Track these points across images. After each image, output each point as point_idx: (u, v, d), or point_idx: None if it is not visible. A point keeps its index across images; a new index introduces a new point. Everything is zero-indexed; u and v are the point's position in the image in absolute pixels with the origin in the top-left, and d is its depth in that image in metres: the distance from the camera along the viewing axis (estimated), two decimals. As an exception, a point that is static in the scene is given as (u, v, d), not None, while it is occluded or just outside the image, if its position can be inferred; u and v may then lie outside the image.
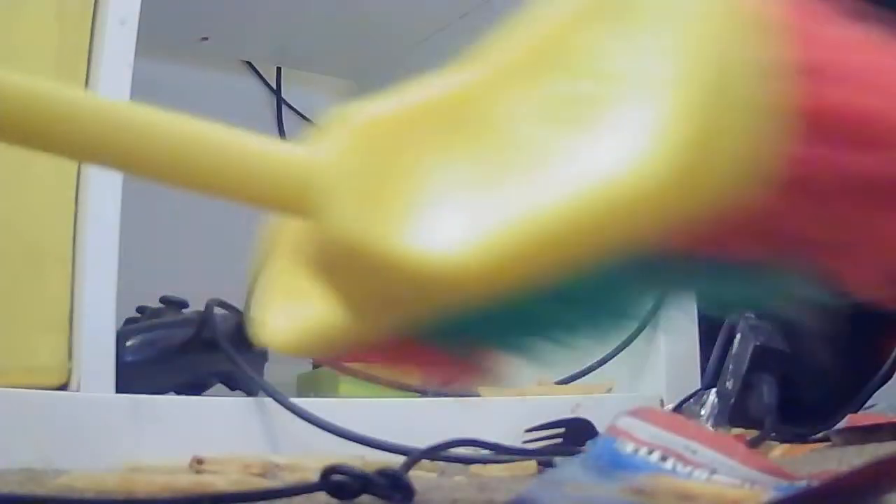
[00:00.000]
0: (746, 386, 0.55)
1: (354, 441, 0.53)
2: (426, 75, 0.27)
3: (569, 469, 0.33)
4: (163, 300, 0.65)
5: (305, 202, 0.24)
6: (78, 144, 0.24)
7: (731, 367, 0.56)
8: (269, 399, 0.55)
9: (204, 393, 0.62)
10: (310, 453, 0.51)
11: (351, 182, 0.24)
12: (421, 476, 0.46)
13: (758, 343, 0.55)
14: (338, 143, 0.25)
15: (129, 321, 0.63)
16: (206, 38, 0.92)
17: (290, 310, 0.30)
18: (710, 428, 0.55)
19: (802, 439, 0.54)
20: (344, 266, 0.25)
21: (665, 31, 0.20)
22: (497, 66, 0.25)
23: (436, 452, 0.48)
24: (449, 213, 0.24)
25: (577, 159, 0.21)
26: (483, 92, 0.25)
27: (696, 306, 0.29)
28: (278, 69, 1.06)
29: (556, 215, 0.21)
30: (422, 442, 0.48)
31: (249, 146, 0.25)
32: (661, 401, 0.67)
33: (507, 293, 0.22)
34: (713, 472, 0.30)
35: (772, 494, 0.27)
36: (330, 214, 0.24)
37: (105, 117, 0.24)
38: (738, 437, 0.52)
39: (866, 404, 0.58)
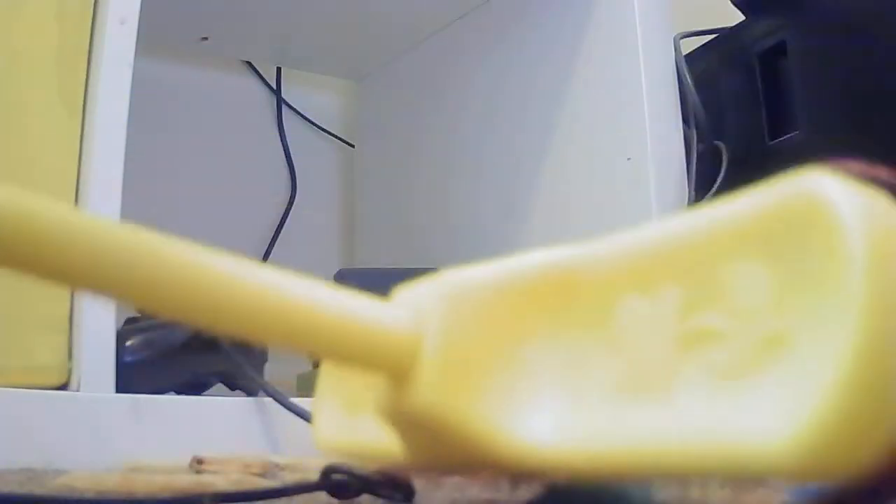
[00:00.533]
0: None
1: (354, 441, 0.53)
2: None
3: None
4: (163, 300, 0.64)
5: (390, 366, 0.23)
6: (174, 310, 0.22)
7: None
8: (269, 399, 0.55)
9: (204, 393, 0.62)
10: (310, 453, 0.51)
11: (442, 352, 0.23)
12: (419, 476, 0.46)
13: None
14: (430, 307, 0.23)
15: (129, 321, 0.63)
16: (205, 38, 0.93)
17: (347, 419, 0.29)
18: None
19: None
20: (415, 425, 0.23)
21: (837, 289, 0.18)
22: (623, 258, 0.23)
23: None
24: (551, 404, 0.22)
25: (723, 402, 0.19)
26: (602, 282, 0.23)
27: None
28: (278, 69, 1.06)
29: (687, 453, 0.19)
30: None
31: (339, 307, 0.23)
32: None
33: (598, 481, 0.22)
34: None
35: (785, 498, 0.27)
36: (415, 383, 0.22)
37: (196, 280, 0.21)
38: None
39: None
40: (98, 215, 0.20)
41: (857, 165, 0.21)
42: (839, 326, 0.17)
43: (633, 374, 0.22)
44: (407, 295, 0.25)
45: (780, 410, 0.18)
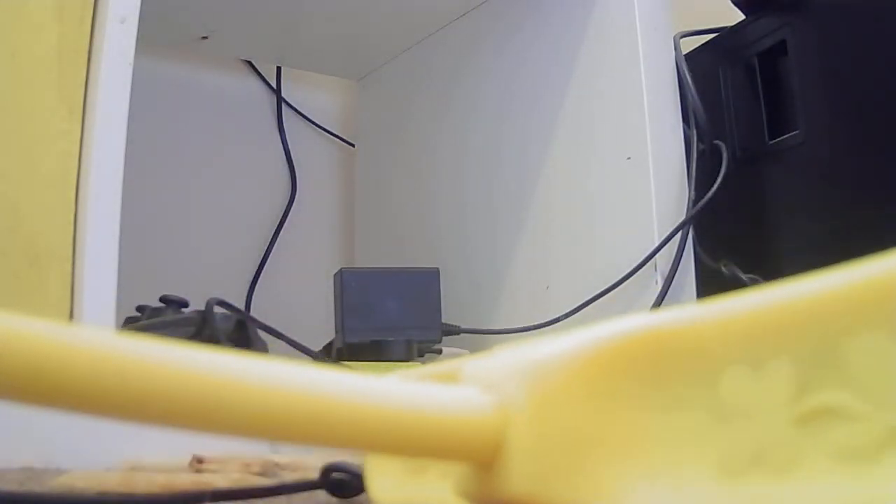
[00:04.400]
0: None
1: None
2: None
3: None
4: (163, 299, 0.65)
5: (475, 455, 0.22)
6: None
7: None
8: (270, 398, 0.55)
9: (204, 392, 0.61)
10: (310, 452, 0.51)
11: (531, 436, 0.21)
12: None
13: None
14: (512, 387, 0.22)
15: (129, 320, 0.63)
16: (206, 38, 0.92)
17: (403, 476, 0.28)
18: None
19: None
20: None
21: None
22: (728, 327, 0.21)
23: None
24: (652, 480, 0.21)
25: (851, 482, 0.19)
26: (704, 352, 0.21)
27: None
28: (278, 69, 1.06)
29: None
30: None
31: (415, 403, 0.21)
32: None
33: None
34: None
35: None
36: (505, 470, 0.21)
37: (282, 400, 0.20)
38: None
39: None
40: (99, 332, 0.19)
41: None
42: None
43: (742, 449, 0.20)
44: (478, 372, 0.23)
45: None
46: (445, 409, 0.21)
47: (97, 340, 0.18)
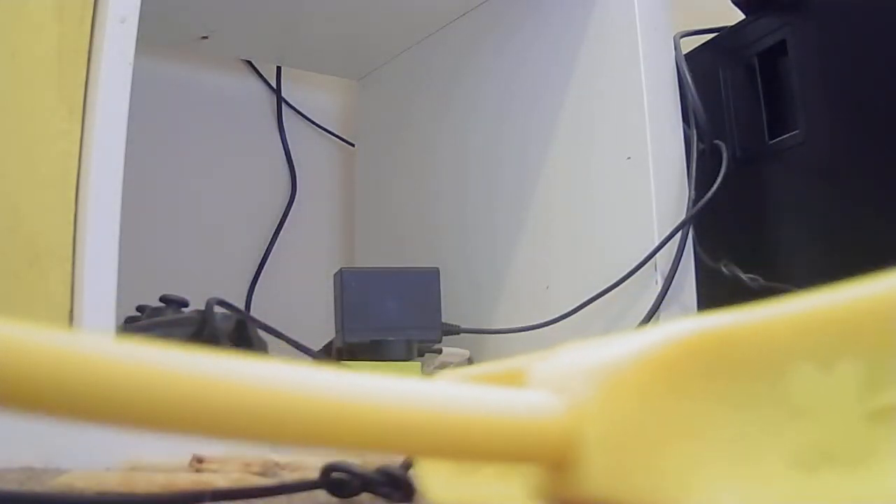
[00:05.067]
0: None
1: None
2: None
3: None
4: (163, 299, 0.65)
5: (549, 457, 0.22)
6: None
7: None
8: (270, 398, 0.55)
9: (204, 392, 0.61)
10: (310, 452, 0.51)
11: (606, 436, 0.22)
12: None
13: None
14: (583, 389, 0.22)
15: (129, 320, 0.63)
16: (206, 37, 0.92)
17: (457, 478, 0.29)
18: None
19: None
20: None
21: None
22: (795, 327, 0.22)
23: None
24: (726, 476, 0.22)
25: None
26: (771, 350, 0.22)
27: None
28: (278, 68, 1.06)
29: None
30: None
31: (488, 409, 0.22)
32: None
33: None
34: None
35: None
36: (582, 470, 0.22)
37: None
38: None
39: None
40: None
41: None
42: None
43: (814, 444, 0.21)
44: (545, 374, 0.24)
45: None
46: (521, 414, 0.22)
47: (107, 350, 0.18)
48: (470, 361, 0.78)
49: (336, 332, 0.72)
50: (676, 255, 0.68)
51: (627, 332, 0.24)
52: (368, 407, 0.20)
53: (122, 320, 0.61)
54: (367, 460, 0.43)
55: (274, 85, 1.06)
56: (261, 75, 1.06)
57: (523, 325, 0.75)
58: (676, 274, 0.68)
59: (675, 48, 0.74)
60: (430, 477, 0.30)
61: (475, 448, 0.22)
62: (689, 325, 0.23)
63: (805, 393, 0.21)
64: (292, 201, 1.05)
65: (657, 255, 0.68)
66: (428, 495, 0.29)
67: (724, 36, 0.78)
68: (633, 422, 0.22)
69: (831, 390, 0.21)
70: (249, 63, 1.05)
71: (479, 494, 0.27)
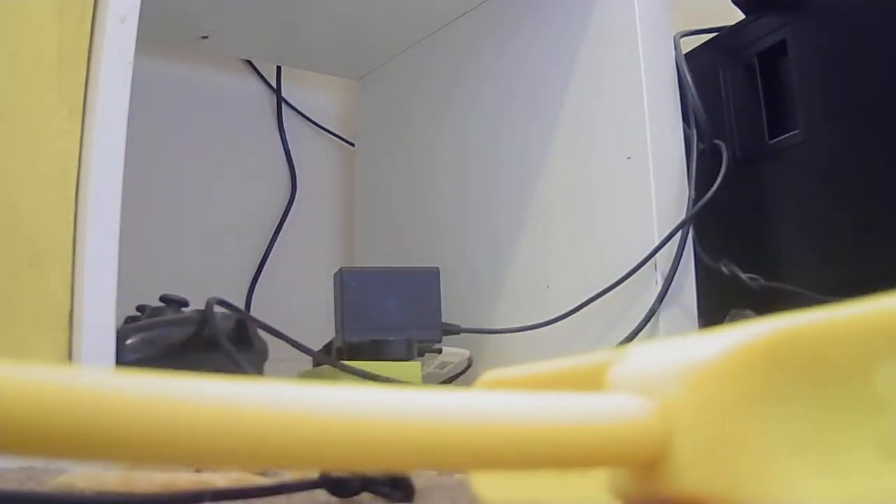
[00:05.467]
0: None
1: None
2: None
3: None
4: (163, 299, 0.65)
5: (638, 459, 0.22)
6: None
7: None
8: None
9: (204, 392, 0.61)
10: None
11: (696, 435, 0.22)
12: (421, 474, 0.46)
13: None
14: (670, 389, 0.23)
15: (129, 320, 0.63)
16: (206, 37, 0.93)
17: (511, 478, 0.29)
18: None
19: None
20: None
21: None
22: (878, 326, 0.23)
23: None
24: (814, 471, 0.22)
25: None
26: (853, 348, 0.23)
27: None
28: (278, 68, 1.06)
29: None
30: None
31: (577, 417, 0.22)
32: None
33: None
34: None
35: None
36: (672, 470, 0.22)
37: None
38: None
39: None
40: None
41: None
42: None
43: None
44: (627, 377, 0.24)
45: None
46: (616, 419, 0.22)
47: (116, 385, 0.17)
48: (470, 361, 0.78)
49: (336, 331, 0.72)
50: (676, 255, 0.68)
51: (699, 334, 0.25)
52: (476, 427, 0.20)
53: (122, 320, 0.61)
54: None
55: (274, 85, 1.06)
56: (261, 75, 1.06)
57: (523, 324, 0.75)
58: (676, 274, 0.68)
59: (675, 48, 0.74)
60: (483, 477, 0.30)
61: (576, 457, 0.22)
62: (773, 323, 0.23)
63: (890, 388, 0.22)
64: (292, 201, 1.05)
65: (657, 254, 0.68)
66: (483, 496, 0.29)
67: (724, 36, 0.78)
68: (722, 419, 0.22)
69: None
70: (249, 63, 1.05)
71: (544, 496, 0.27)
